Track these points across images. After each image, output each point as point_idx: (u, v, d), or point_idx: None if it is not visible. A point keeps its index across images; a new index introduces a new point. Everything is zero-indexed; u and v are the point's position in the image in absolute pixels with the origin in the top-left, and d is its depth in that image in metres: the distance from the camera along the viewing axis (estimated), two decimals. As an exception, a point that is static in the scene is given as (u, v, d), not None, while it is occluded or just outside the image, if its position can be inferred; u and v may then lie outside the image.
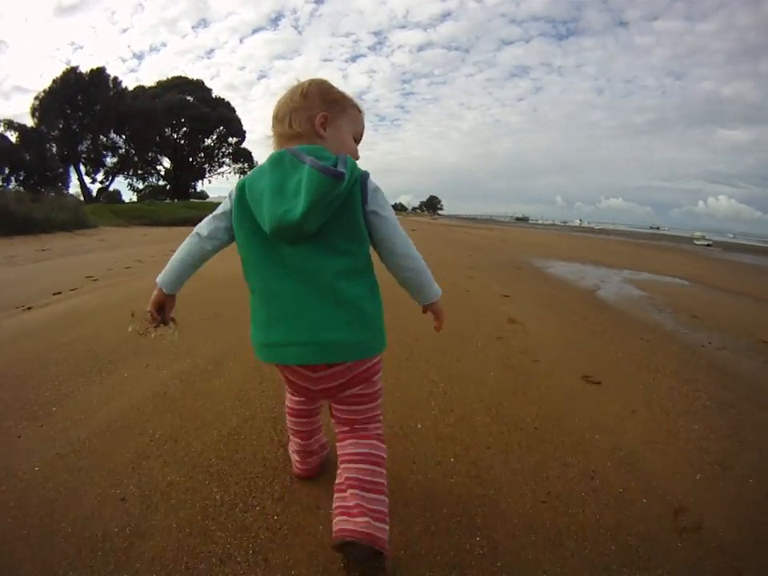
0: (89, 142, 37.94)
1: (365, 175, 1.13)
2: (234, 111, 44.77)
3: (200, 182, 48.40)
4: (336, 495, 1.18)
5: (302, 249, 1.11)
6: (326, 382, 1.19)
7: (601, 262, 9.48)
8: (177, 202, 32.64)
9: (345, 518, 1.11)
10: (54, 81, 35.55)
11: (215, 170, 46.28)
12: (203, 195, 60.28)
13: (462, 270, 6.40)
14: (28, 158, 32.17)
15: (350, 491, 1.15)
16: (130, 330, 1.36)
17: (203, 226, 1.23)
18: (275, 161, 1.11)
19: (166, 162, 43.72)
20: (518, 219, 71.37)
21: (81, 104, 34.68)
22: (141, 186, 44.42)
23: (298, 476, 1.53)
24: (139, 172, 43.03)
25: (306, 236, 1.08)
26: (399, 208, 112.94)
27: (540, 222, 79.43)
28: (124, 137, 38.85)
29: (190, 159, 44.14)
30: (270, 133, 1.25)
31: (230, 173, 46.80)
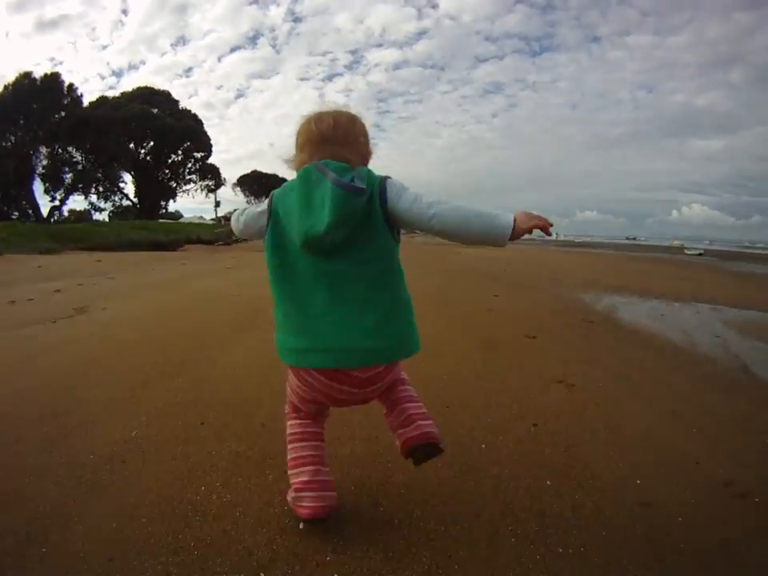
0: (45, 156, 34.84)
1: (383, 181, 1.21)
2: (201, 124, 41.68)
3: (170, 201, 45.06)
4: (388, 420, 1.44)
5: (331, 259, 1.18)
6: (365, 386, 1.26)
7: (643, 289, 7.14)
8: (129, 221, 29.43)
9: (404, 429, 1.36)
10: (5, 86, 32.33)
11: (181, 188, 43.08)
12: (176, 216, 56.20)
13: (513, 340, 3.63)
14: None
15: (398, 408, 1.40)
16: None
17: (240, 219, 1.44)
18: (303, 176, 1.19)
19: (129, 179, 40.37)
20: None
21: (34, 112, 31.53)
22: (103, 206, 40.86)
23: (310, 516, 1.31)
24: (100, 190, 39.63)
25: (334, 247, 1.16)
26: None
27: None
28: (80, 150, 35.72)
29: (156, 175, 40.81)
30: (288, 156, 1.31)
31: (196, 190, 43.71)
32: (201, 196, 44.26)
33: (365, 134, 1.31)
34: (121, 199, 41.18)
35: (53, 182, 35.82)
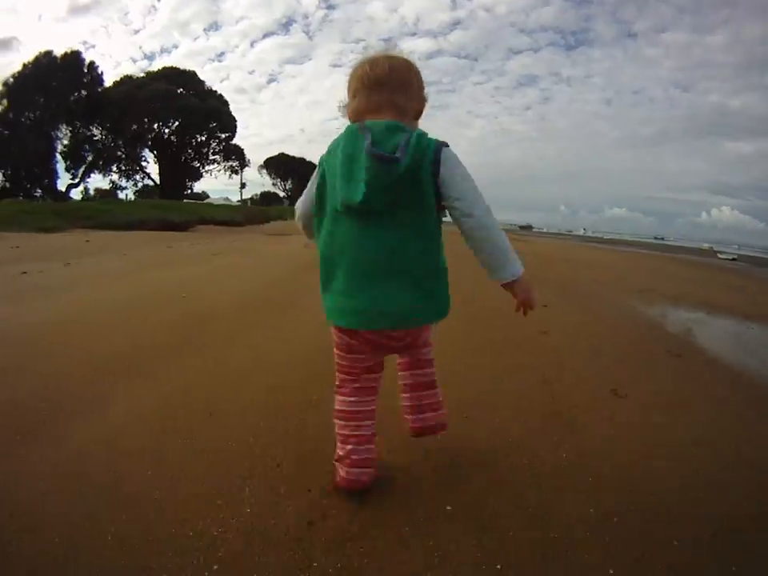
0: (67, 134, 34.45)
1: (438, 151, 1.15)
2: (227, 104, 40.64)
3: (195, 181, 44.32)
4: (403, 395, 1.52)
5: (375, 222, 1.16)
6: (404, 339, 1.29)
7: (703, 302, 5.67)
8: (143, 200, 28.71)
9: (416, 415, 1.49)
10: (24, 65, 32.01)
11: (204, 168, 42.21)
12: (202, 196, 55.87)
13: (597, 404, 2.15)
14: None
15: (411, 393, 1.49)
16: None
17: (298, 207, 1.38)
18: (347, 138, 1.16)
19: (152, 159, 39.68)
20: (521, 228, 69.53)
21: (54, 90, 31.04)
22: (125, 184, 40.38)
23: (341, 486, 1.33)
24: (122, 168, 39.12)
25: (375, 212, 1.14)
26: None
27: (545, 230, 76.32)
28: (101, 129, 35.21)
29: (180, 155, 40.03)
30: (341, 103, 1.29)
31: (219, 171, 42.89)
32: (225, 177, 43.42)
33: (420, 81, 1.26)
34: (143, 178, 40.66)
35: (73, 160, 35.46)
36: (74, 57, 32.81)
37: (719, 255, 27.79)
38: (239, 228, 18.41)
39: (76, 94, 32.71)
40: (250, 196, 68.26)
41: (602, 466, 1.59)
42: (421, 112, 1.26)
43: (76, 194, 37.89)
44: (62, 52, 32.29)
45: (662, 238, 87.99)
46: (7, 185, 31.96)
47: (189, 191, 43.96)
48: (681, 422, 2.01)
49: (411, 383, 1.49)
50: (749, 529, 1.32)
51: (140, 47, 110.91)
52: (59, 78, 31.15)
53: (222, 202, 47.00)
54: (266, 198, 65.27)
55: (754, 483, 1.57)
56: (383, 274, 1.17)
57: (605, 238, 52.54)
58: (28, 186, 33.50)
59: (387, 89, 1.18)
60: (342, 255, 1.20)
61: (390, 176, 1.09)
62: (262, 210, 34.82)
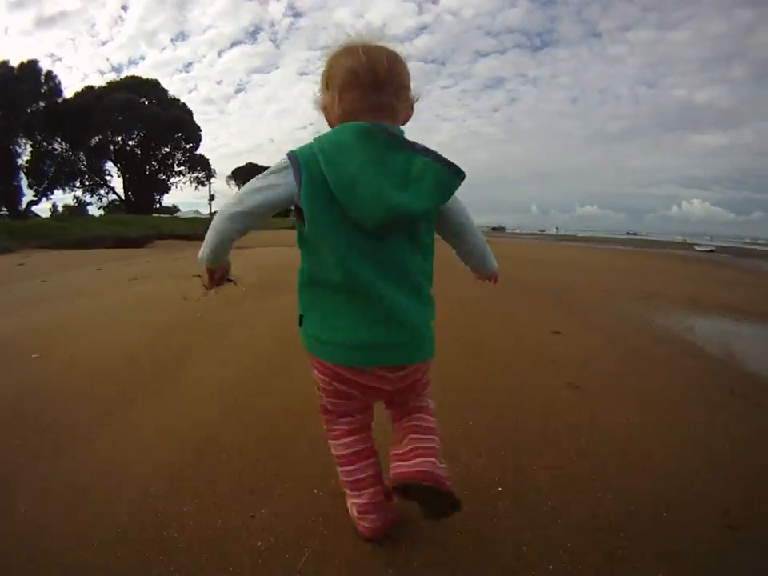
0: (27, 149, 32.76)
1: None
2: (190, 114, 39.38)
3: (163, 195, 42.78)
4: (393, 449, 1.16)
5: (393, 242, 1.02)
6: (403, 381, 1.11)
7: (718, 304, 5.05)
8: (99, 216, 27.34)
9: (400, 462, 1.10)
10: None
11: (169, 180, 40.78)
12: (172, 210, 53.91)
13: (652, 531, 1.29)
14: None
15: (406, 439, 1.14)
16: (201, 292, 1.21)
17: (245, 199, 1.01)
18: (366, 137, 0.97)
19: (116, 173, 38.02)
20: (493, 229, 70.24)
21: (11, 102, 29.37)
22: (89, 200, 38.58)
23: (372, 535, 1.16)
24: (86, 184, 37.36)
25: (402, 231, 1.03)
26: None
27: (518, 231, 77.07)
28: (61, 141, 33.64)
29: (144, 168, 38.50)
30: (317, 99, 1.11)
31: (185, 183, 41.51)
32: (192, 189, 42.03)
33: (410, 81, 1.08)
34: (107, 193, 38.94)
35: (35, 176, 33.85)
36: (31, 67, 31.35)
37: (696, 248, 27.79)
38: (200, 242, 17.58)
39: (34, 106, 31.22)
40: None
41: None
42: (409, 119, 1.11)
43: (45, 212, 36.17)
44: (19, 62, 30.79)
45: (635, 234, 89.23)
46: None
47: (158, 205, 42.41)
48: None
49: (408, 427, 1.19)
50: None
51: (107, 59, 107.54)
52: (15, 90, 29.61)
53: (192, 215, 45.64)
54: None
55: None
56: (405, 299, 1.04)
57: (578, 236, 52.81)
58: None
59: (390, 89, 1.01)
60: (354, 279, 1.00)
61: (452, 188, 1.01)
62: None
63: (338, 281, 1.01)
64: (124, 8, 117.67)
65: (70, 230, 17.84)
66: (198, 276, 1.15)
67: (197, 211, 58.14)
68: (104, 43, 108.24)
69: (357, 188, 0.94)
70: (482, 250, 1.21)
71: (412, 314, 1.04)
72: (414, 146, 0.97)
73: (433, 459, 1.07)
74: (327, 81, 1.05)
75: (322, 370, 1.10)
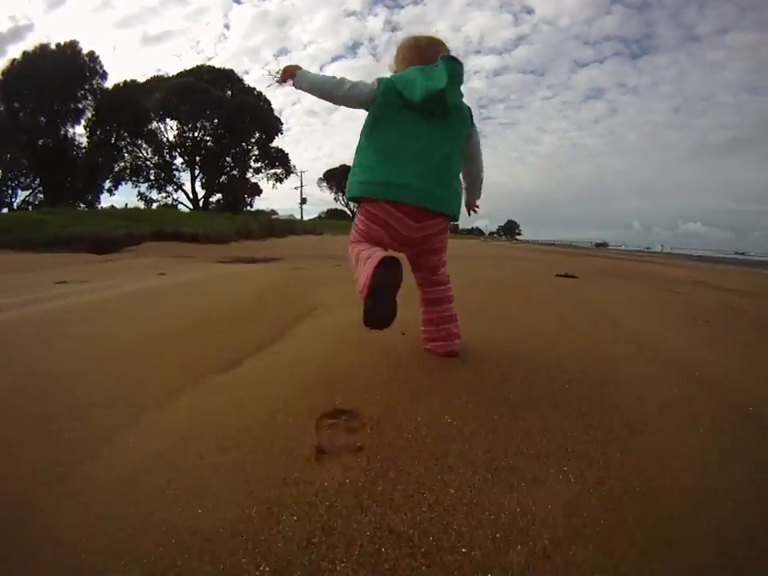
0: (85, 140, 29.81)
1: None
2: (268, 102, 34.31)
3: (255, 196, 37.91)
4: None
5: (433, 126, 1.49)
6: (424, 230, 1.48)
7: None
8: (100, 210, 22.56)
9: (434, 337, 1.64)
10: (11, 62, 27.22)
11: (245, 176, 35.73)
12: (269, 214, 48.39)
13: None
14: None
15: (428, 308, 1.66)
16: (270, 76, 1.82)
17: (355, 82, 1.58)
18: (421, 67, 1.53)
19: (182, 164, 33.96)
20: (597, 245, 61.91)
21: (49, 87, 26.03)
22: (155, 197, 34.63)
23: (380, 258, 1.30)
24: (151, 179, 33.73)
25: (445, 111, 1.49)
26: (477, 232, 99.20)
27: (622, 247, 67.00)
28: (120, 130, 30.26)
29: (218, 163, 33.97)
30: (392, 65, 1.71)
31: (262, 179, 36.34)
32: (267, 186, 36.26)
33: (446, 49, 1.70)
34: (175, 190, 34.87)
35: (101, 168, 30.77)
36: (72, 47, 27.93)
37: None
38: (201, 245, 11.58)
39: (81, 92, 27.97)
40: (317, 214, 62.02)
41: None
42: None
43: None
44: (59, 42, 27.55)
45: (743, 253, 73.88)
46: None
47: (249, 207, 36.99)
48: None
49: (428, 299, 1.65)
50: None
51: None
52: (59, 75, 26.15)
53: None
54: (334, 215, 58.17)
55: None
56: (435, 163, 1.47)
57: (694, 255, 42.05)
58: (72, 202, 28.73)
59: (427, 63, 1.57)
60: (400, 143, 1.48)
61: (457, 71, 1.50)
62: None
63: (381, 145, 1.50)
64: (227, 26, 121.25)
65: (45, 226, 12.75)
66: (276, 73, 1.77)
67: (291, 215, 52.97)
68: (209, 59, 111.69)
69: (415, 84, 1.47)
70: (477, 175, 1.74)
71: (432, 172, 1.47)
72: (450, 57, 1.53)
73: (451, 329, 1.65)
74: (401, 55, 1.66)
75: (368, 203, 1.52)
